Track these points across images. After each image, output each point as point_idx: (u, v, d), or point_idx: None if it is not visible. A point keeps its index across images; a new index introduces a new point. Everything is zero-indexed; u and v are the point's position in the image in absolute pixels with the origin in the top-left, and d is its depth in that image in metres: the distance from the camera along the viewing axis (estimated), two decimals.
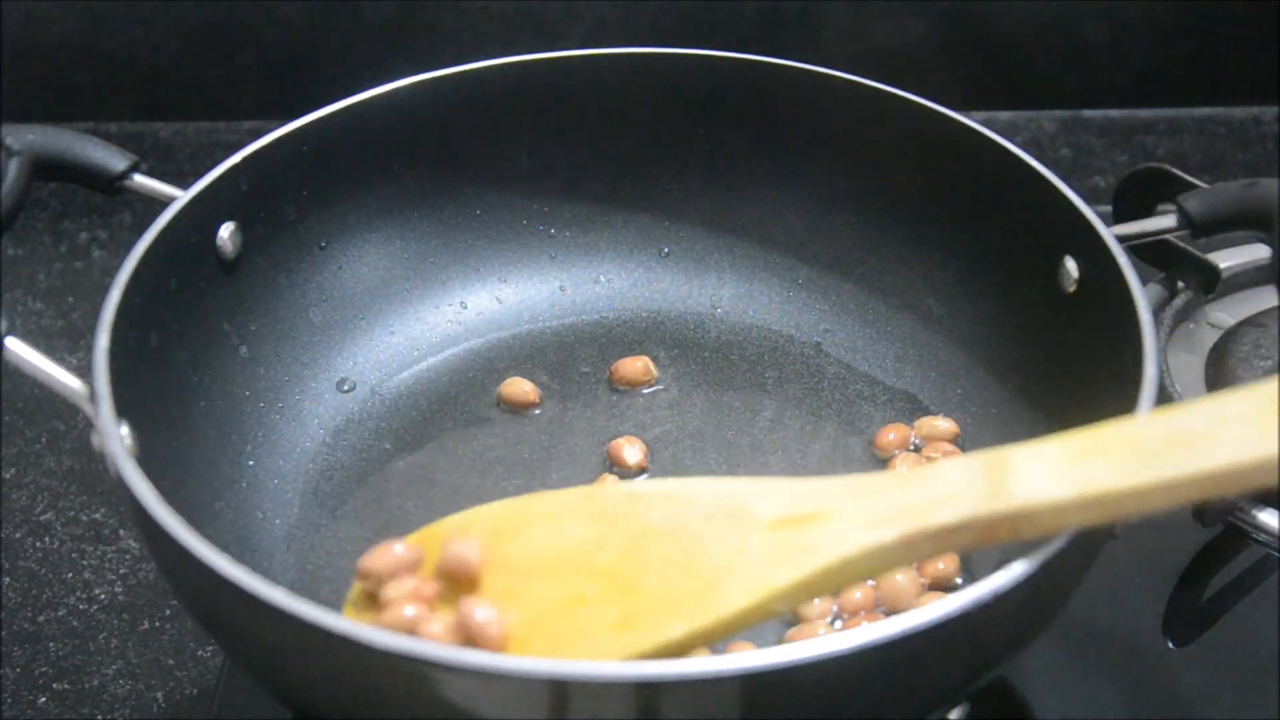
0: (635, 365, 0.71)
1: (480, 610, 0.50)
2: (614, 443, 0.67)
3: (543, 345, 0.73)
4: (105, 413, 0.53)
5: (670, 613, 0.50)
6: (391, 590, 0.52)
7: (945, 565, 0.60)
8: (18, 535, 0.71)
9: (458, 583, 0.53)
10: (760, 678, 0.44)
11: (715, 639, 0.50)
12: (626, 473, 0.66)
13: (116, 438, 0.52)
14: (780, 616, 0.56)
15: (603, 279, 0.75)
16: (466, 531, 0.55)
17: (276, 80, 0.97)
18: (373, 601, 0.53)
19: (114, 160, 0.64)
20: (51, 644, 0.66)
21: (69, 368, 0.55)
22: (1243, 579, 0.66)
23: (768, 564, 0.50)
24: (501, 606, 0.51)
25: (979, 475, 0.49)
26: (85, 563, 0.69)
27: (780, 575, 0.49)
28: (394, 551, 0.53)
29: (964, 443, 0.67)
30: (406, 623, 0.51)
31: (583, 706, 0.45)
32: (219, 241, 0.65)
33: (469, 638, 0.50)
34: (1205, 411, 0.47)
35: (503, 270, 0.75)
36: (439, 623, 0.51)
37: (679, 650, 0.49)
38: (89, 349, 0.55)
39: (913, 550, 0.49)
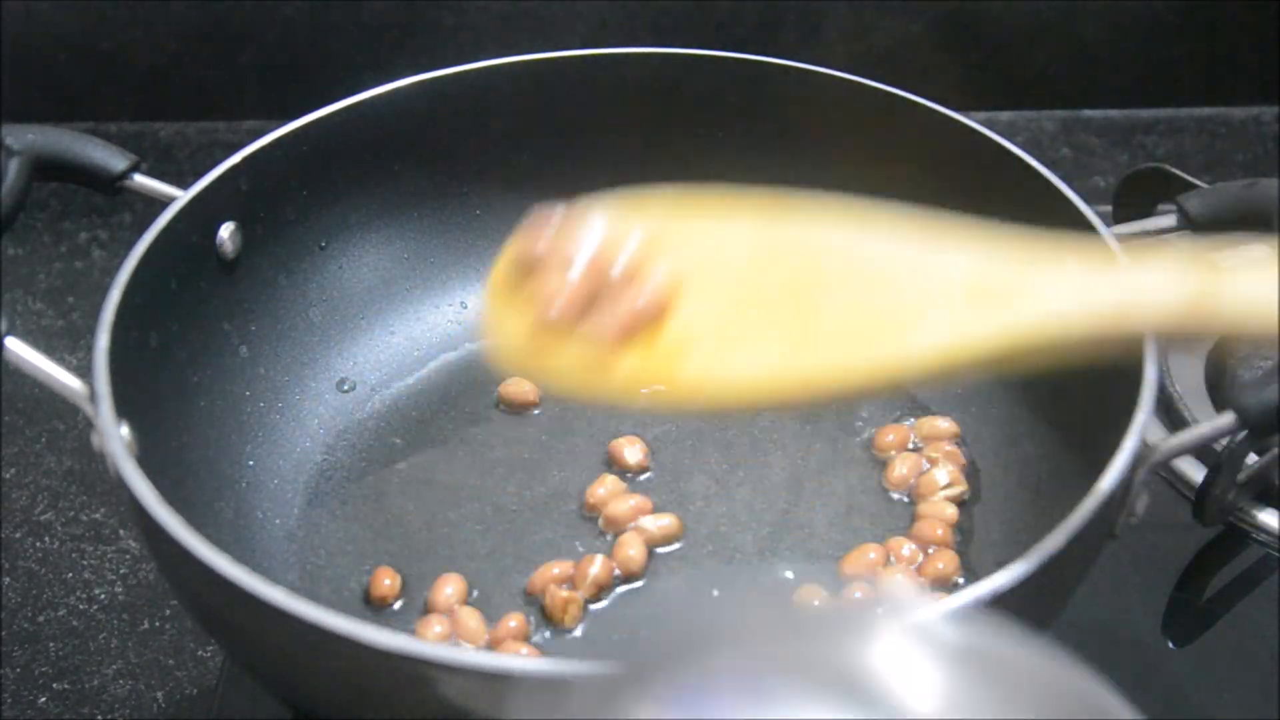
0: None
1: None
2: (614, 442, 0.67)
3: None
4: (105, 413, 0.53)
5: (850, 342, 0.47)
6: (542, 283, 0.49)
7: (945, 566, 0.60)
8: (18, 535, 0.71)
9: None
10: None
11: (884, 384, 0.48)
12: (627, 473, 0.66)
13: (116, 438, 0.52)
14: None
15: None
16: (652, 203, 0.52)
17: (276, 80, 0.97)
18: (518, 282, 0.50)
19: (114, 160, 0.64)
20: (51, 644, 0.66)
21: (69, 368, 0.55)
22: (1243, 579, 0.66)
23: (967, 311, 0.47)
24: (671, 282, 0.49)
25: (1188, 268, 0.47)
26: (85, 563, 0.69)
27: (980, 323, 0.47)
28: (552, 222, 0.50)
29: (964, 443, 0.67)
30: None
31: (583, 706, 0.44)
32: (219, 241, 0.65)
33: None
34: None
35: None
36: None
37: (850, 386, 0.47)
38: (89, 349, 0.55)
39: (1120, 324, 0.47)
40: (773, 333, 0.48)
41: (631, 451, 0.66)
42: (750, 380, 0.48)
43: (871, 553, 0.61)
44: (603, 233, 0.52)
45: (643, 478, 0.66)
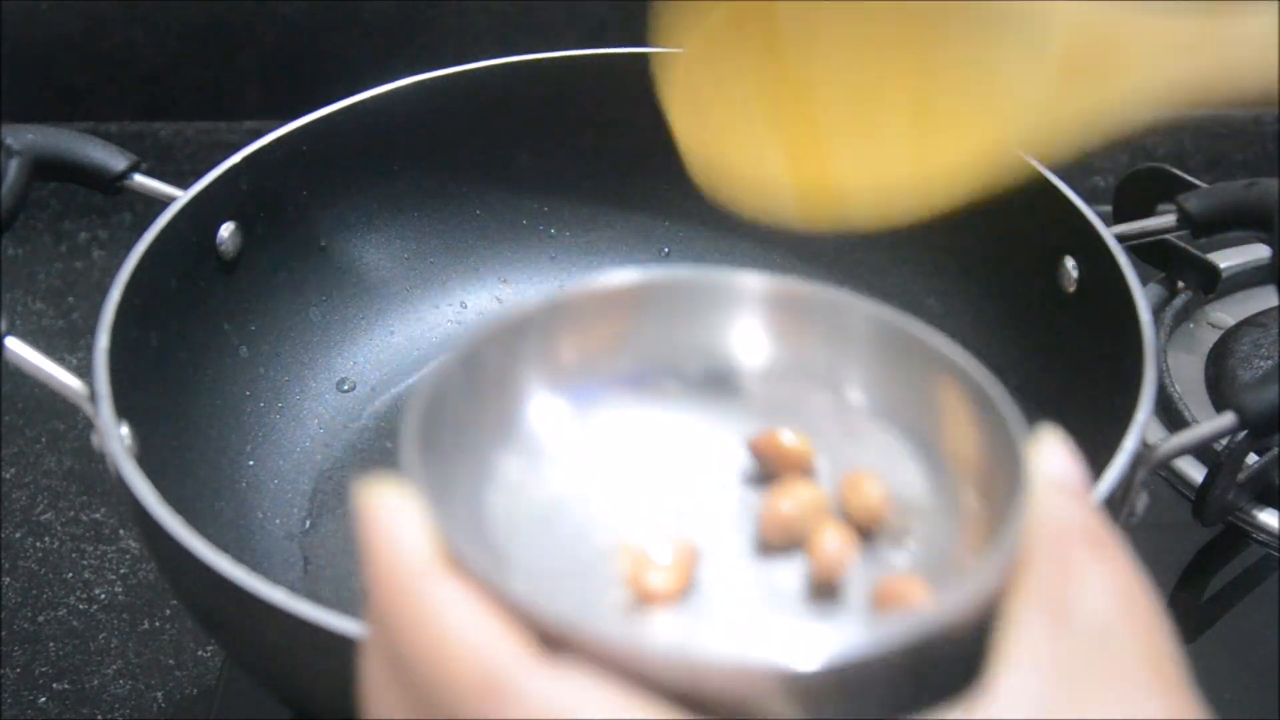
0: None
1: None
2: None
3: None
4: (105, 413, 0.53)
5: (962, 115, 0.48)
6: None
7: None
8: (18, 535, 0.71)
9: None
10: None
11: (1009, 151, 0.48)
12: None
13: (116, 438, 0.52)
14: None
15: None
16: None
17: (276, 80, 0.97)
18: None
19: (114, 160, 0.64)
20: (51, 644, 0.66)
21: (69, 368, 0.55)
22: (1243, 579, 0.66)
23: (1066, 81, 0.46)
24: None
25: None
26: (85, 563, 0.69)
27: (1079, 94, 0.46)
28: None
29: None
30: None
31: None
32: (219, 241, 0.65)
33: None
34: None
35: (503, 270, 0.75)
36: None
37: (966, 169, 0.48)
38: (89, 349, 0.55)
39: (1207, 91, 0.46)
40: (901, 128, 0.50)
41: None
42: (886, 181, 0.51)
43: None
44: None
45: None
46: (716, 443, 0.40)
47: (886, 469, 0.39)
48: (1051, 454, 0.37)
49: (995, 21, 0.49)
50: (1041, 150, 0.49)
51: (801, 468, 0.39)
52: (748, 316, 0.43)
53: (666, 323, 0.42)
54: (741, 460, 0.40)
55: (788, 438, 0.39)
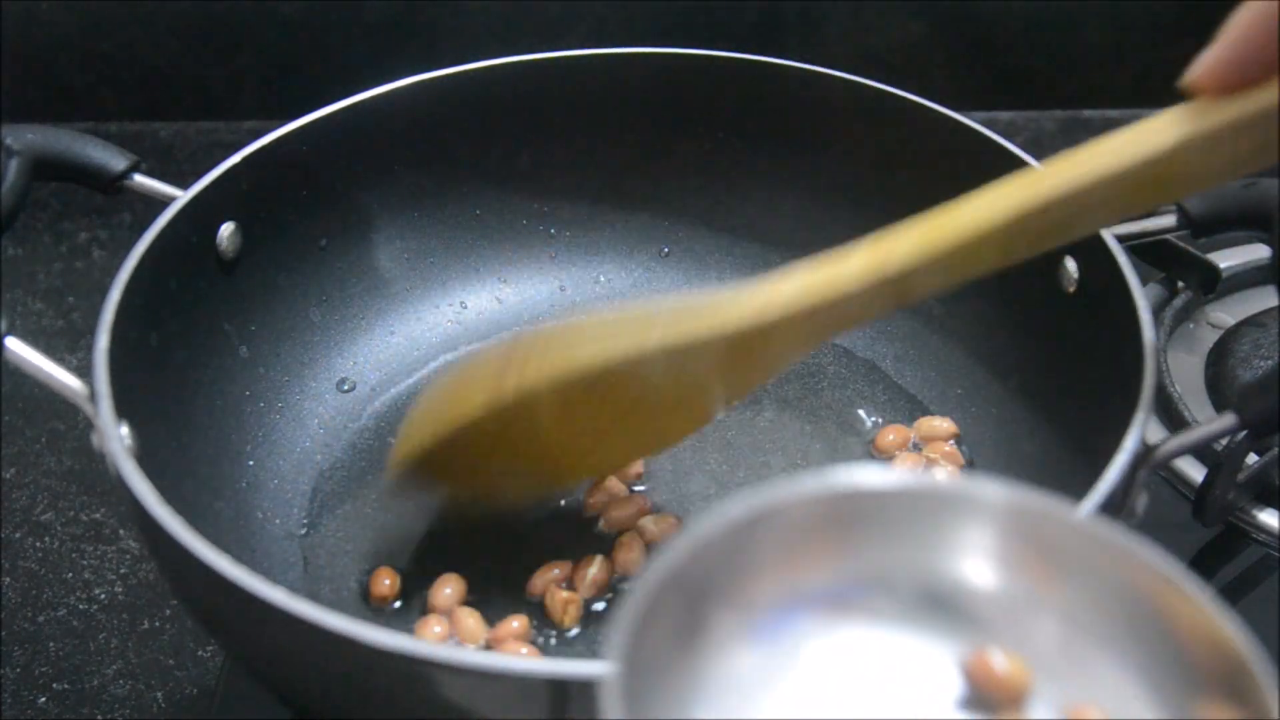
0: None
1: None
2: None
3: None
4: (105, 413, 0.53)
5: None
6: None
7: None
8: (18, 535, 0.71)
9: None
10: None
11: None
12: (623, 478, 0.66)
13: (116, 438, 0.52)
14: None
15: (603, 279, 0.75)
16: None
17: (276, 80, 0.97)
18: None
19: (114, 160, 0.64)
20: (51, 644, 0.66)
21: (69, 368, 0.55)
22: (1243, 579, 0.66)
23: (718, 395, 0.58)
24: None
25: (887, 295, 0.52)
26: (85, 563, 0.69)
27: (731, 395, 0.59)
28: None
29: (964, 442, 0.67)
30: None
31: (582, 706, 0.45)
32: (219, 241, 0.65)
33: None
34: None
35: (503, 270, 0.75)
36: None
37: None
38: (89, 349, 0.55)
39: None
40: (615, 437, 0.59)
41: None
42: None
43: None
44: None
45: (640, 488, 0.66)
46: (929, 664, 0.37)
47: (1114, 701, 0.36)
48: None
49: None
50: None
51: (1017, 694, 0.36)
52: (973, 530, 0.37)
53: (883, 533, 0.37)
54: (956, 684, 0.36)
55: (1000, 662, 0.36)
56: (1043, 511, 0.37)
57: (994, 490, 0.37)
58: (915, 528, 0.37)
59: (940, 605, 0.37)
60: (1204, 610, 0.36)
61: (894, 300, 0.52)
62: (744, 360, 0.55)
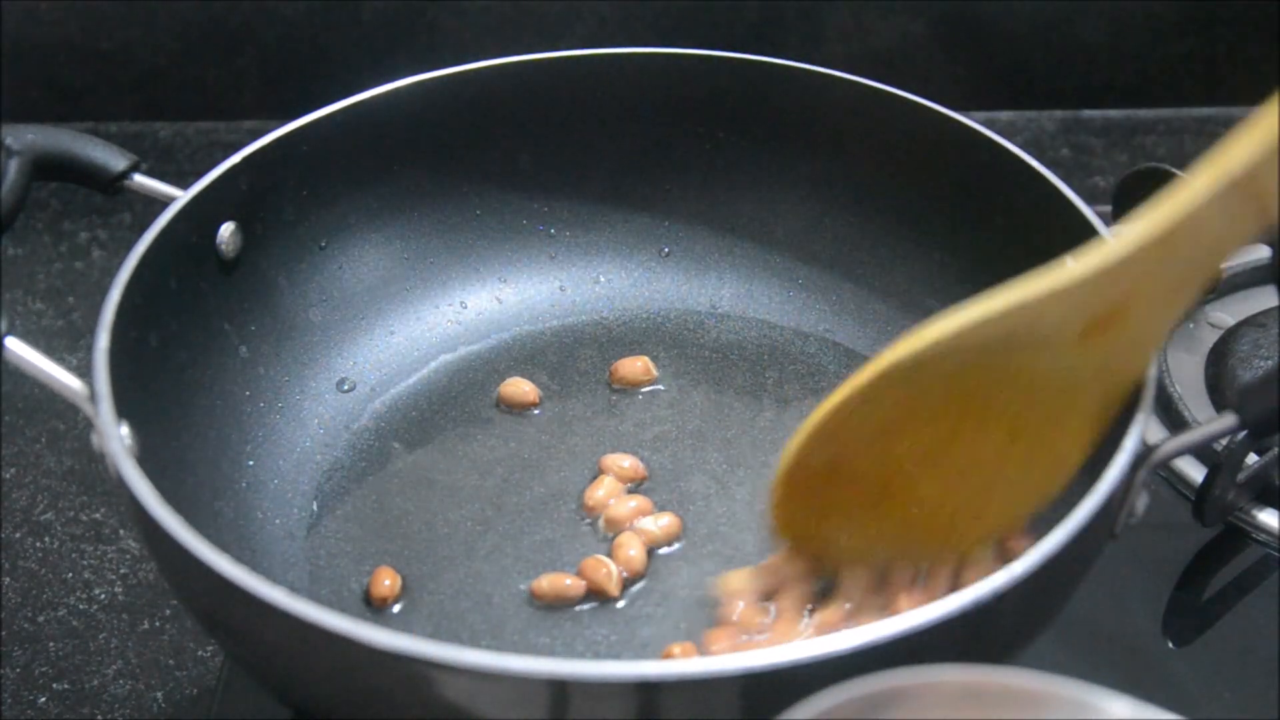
0: (635, 365, 0.71)
1: None
2: (605, 458, 0.66)
3: (543, 345, 0.73)
4: (105, 413, 0.53)
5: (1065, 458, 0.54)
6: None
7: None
8: (18, 535, 0.71)
9: None
10: (760, 677, 0.44)
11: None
12: (623, 478, 0.66)
13: (116, 438, 0.52)
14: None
15: (603, 279, 0.75)
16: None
17: (276, 80, 0.97)
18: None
19: (114, 160, 0.64)
20: (51, 644, 0.66)
21: (69, 368, 0.55)
22: (1243, 579, 0.66)
23: (1099, 389, 0.53)
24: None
25: (1238, 211, 0.49)
26: (85, 563, 0.69)
27: (1113, 395, 0.53)
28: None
29: None
30: None
31: (582, 706, 0.45)
32: (219, 241, 0.65)
33: None
34: None
35: (503, 270, 0.75)
36: None
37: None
38: (89, 349, 0.55)
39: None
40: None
41: (624, 467, 0.66)
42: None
43: None
44: None
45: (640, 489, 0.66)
46: None
47: None
48: None
49: (1015, 369, 0.53)
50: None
51: None
52: None
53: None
54: None
55: None
56: None
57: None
58: None
59: None
60: None
61: (1251, 205, 0.49)
62: (1116, 322, 0.52)
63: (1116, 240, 0.51)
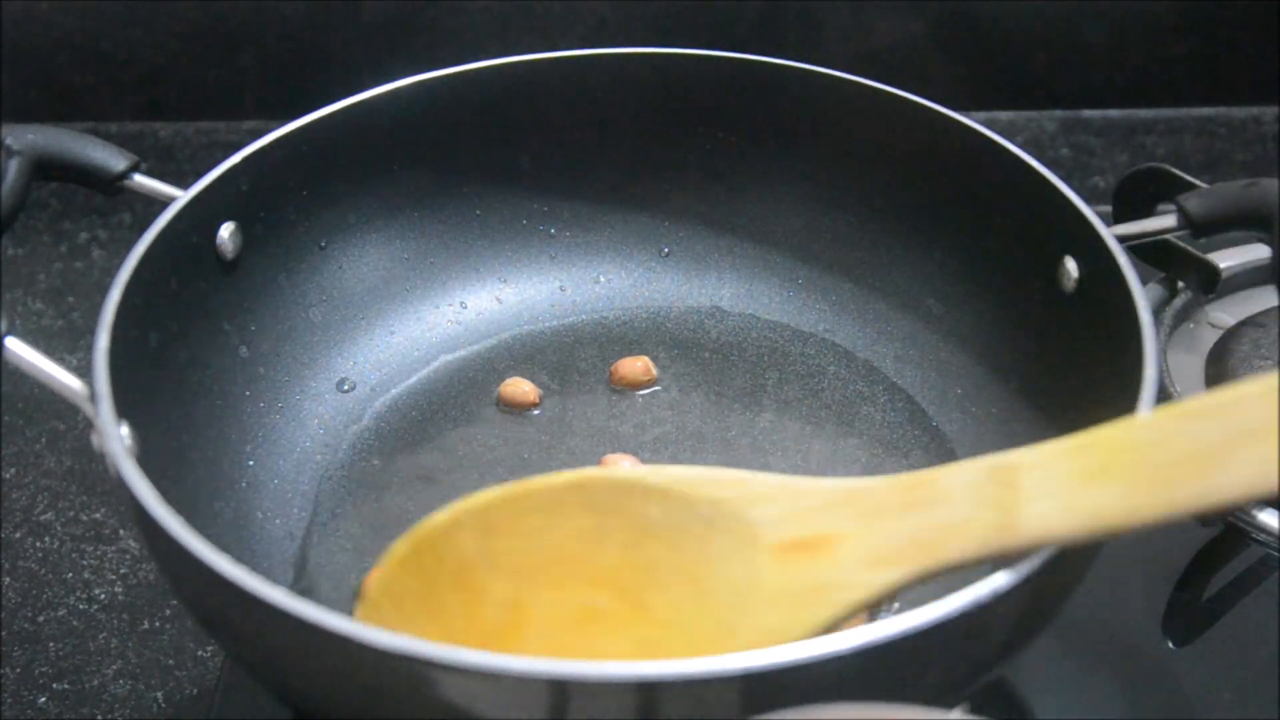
0: (635, 365, 0.71)
1: None
2: (606, 458, 0.66)
3: (543, 345, 0.73)
4: (105, 413, 0.53)
5: (685, 652, 0.47)
6: None
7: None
8: (18, 535, 0.71)
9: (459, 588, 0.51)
10: (760, 677, 0.44)
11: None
12: None
13: (116, 438, 0.52)
14: None
15: (603, 279, 0.75)
16: (455, 530, 0.53)
17: (276, 80, 0.97)
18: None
19: (114, 160, 0.64)
20: (51, 644, 0.66)
21: (69, 368, 0.55)
22: (1243, 579, 0.66)
23: (779, 613, 0.49)
24: (510, 618, 0.50)
25: (986, 498, 0.47)
26: (85, 563, 0.69)
27: (793, 628, 0.48)
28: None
29: (965, 444, 0.67)
30: None
31: (582, 706, 0.45)
32: (219, 241, 0.65)
33: None
34: (1224, 419, 0.45)
35: (503, 270, 0.75)
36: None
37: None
38: (89, 349, 0.55)
39: (917, 582, 0.48)
40: (620, 624, 0.51)
41: (624, 467, 0.66)
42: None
43: None
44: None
45: None
46: None
47: None
48: None
49: (703, 527, 0.51)
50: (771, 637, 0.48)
51: None
52: None
53: None
54: None
55: None
56: None
57: None
58: None
59: None
60: None
61: (995, 511, 0.48)
62: (817, 551, 0.49)
63: (827, 483, 0.50)
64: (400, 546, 0.54)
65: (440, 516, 0.54)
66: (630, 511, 0.52)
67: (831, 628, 0.49)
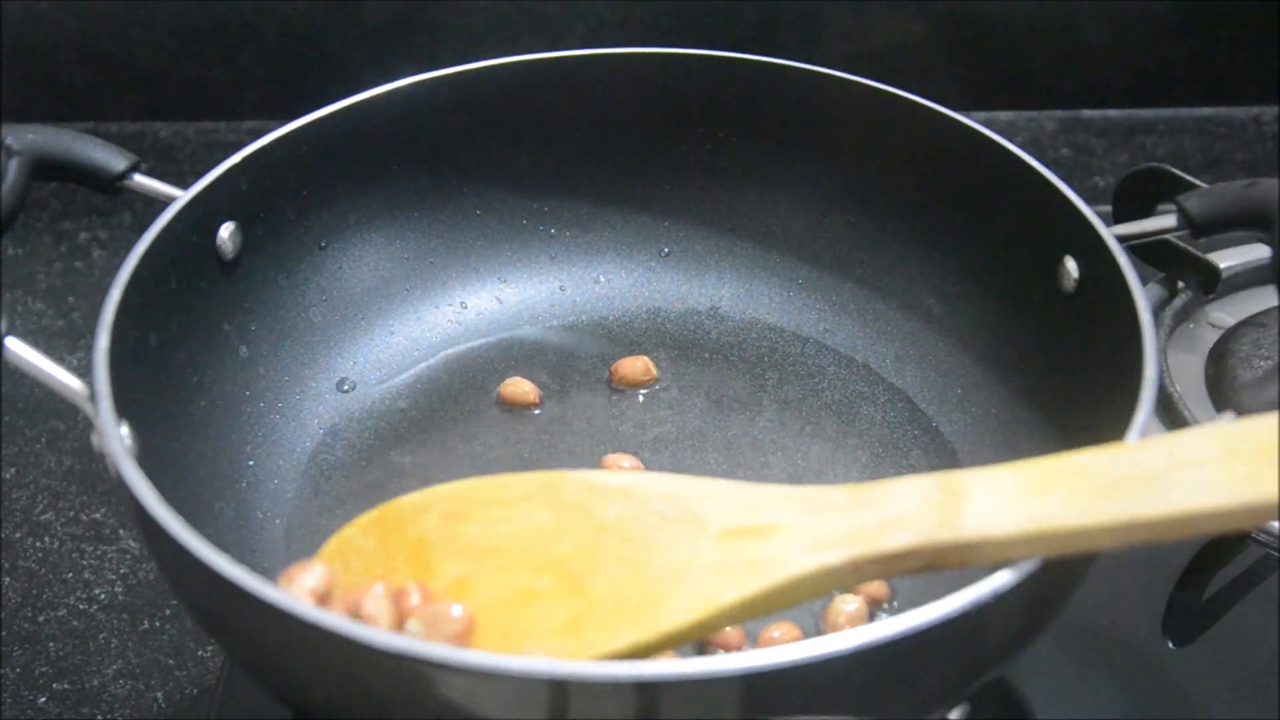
0: (635, 365, 0.71)
1: (451, 607, 0.50)
2: (606, 458, 0.66)
3: (543, 345, 0.73)
4: (105, 413, 0.53)
5: (615, 621, 0.50)
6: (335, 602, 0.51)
7: (876, 589, 0.60)
8: (18, 535, 0.71)
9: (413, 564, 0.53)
10: (760, 678, 0.44)
11: (659, 651, 0.50)
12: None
13: (116, 438, 0.52)
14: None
15: (603, 279, 0.75)
16: (423, 510, 0.55)
17: (276, 80, 0.97)
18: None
19: (114, 160, 0.64)
20: (51, 644, 0.66)
21: (69, 368, 0.55)
22: (1243, 579, 0.66)
23: (714, 580, 0.50)
24: (453, 593, 0.51)
25: (932, 500, 0.49)
26: (85, 563, 0.69)
27: (725, 593, 0.49)
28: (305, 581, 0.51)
29: (965, 444, 0.67)
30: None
31: (582, 706, 0.45)
32: (219, 241, 0.65)
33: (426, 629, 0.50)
34: (1169, 450, 0.47)
35: (503, 270, 0.75)
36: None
37: (621, 658, 0.49)
38: (89, 349, 0.55)
39: (858, 573, 0.49)
40: (555, 601, 0.51)
41: (624, 467, 0.66)
42: (538, 638, 0.51)
43: None
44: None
45: None
46: None
47: None
48: None
49: (656, 520, 0.52)
50: (708, 628, 0.50)
51: None
52: None
53: None
54: None
55: None
56: None
57: None
58: None
59: None
60: None
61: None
62: (757, 536, 0.51)
63: (782, 488, 0.51)
64: (368, 515, 0.56)
65: (413, 496, 0.57)
66: (589, 510, 0.53)
67: (765, 605, 0.49)
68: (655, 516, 0.52)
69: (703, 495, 0.52)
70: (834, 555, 0.48)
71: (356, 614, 0.50)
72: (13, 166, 0.61)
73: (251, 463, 0.65)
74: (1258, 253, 0.78)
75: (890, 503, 0.49)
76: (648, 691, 0.44)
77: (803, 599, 0.50)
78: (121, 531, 0.71)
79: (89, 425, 0.53)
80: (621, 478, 0.55)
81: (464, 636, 0.50)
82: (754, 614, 0.50)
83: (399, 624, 0.50)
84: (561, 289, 0.75)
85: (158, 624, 0.67)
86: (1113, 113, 1.00)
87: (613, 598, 0.51)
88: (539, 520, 0.54)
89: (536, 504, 0.54)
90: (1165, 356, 0.74)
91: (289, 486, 0.65)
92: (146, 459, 0.53)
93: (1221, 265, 0.75)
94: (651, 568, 0.51)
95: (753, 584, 0.49)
